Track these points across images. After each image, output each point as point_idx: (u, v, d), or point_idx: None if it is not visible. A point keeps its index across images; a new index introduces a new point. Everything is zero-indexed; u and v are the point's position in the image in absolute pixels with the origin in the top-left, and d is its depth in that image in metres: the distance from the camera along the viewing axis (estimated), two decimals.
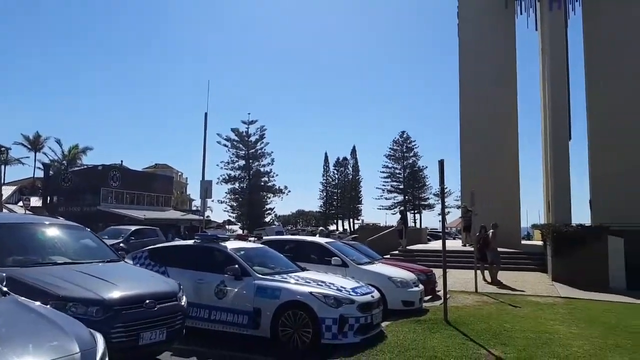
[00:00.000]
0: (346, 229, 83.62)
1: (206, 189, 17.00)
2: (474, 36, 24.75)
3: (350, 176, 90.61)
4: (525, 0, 25.44)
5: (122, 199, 47.91)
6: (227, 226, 66.25)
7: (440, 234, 38.03)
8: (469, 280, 13.84)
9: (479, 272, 14.36)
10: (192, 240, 8.84)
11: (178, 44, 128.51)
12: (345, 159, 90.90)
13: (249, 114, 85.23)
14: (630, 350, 7.25)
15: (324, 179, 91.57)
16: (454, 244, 23.46)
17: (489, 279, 14.97)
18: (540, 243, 21.74)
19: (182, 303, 6.05)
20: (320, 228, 23.08)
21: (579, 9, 23.58)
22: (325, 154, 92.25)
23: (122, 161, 58.81)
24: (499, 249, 15.51)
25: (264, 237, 14.01)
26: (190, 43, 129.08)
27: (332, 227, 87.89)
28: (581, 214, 23.41)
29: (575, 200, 20.65)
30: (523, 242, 25.21)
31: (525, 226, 31.14)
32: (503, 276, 15.26)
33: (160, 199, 53.77)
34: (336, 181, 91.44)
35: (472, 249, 15.08)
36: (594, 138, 22.43)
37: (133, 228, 21.38)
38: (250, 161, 68.82)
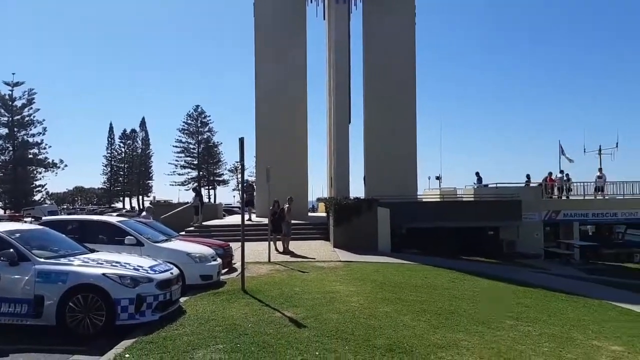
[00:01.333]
0: (134, 207, 78.85)
1: None
2: (268, 19, 25.52)
3: (140, 150, 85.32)
4: None
5: None
6: None
7: (235, 209, 38.52)
8: (262, 252, 14.61)
9: (272, 243, 15.27)
10: None
11: None
12: (133, 131, 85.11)
13: (13, 74, 72.27)
14: (394, 302, 8.71)
15: (108, 153, 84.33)
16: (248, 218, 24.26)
17: (280, 249, 16.03)
18: (324, 214, 24.01)
19: None
20: (148, 205, 21.05)
21: (360, 4, 26.25)
22: (110, 124, 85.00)
23: None
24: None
25: (43, 218, 12.38)
26: None
27: (118, 205, 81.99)
28: (358, 188, 26.57)
29: (353, 176, 23.39)
30: (309, 214, 27.52)
31: (311, 199, 33.92)
32: (293, 245, 16.50)
33: None
34: (123, 155, 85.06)
35: (261, 222, 15.89)
36: (369, 123, 25.53)
37: None
38: (15, 130, 59.01)
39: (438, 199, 26.45)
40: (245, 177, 22.47)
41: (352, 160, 22.74)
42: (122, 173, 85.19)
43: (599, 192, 25.16)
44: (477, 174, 26.69)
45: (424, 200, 26.07)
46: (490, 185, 25.54)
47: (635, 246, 24.68)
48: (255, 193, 22.41)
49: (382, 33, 25.35)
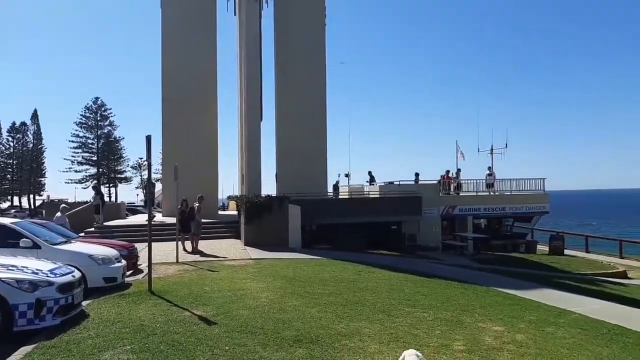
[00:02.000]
0: (24, 206, 72.56)
1: None
2: (177, 10, 24.83)
3: (31, 145, 78.45)
4: None
5: None
6: None
7: (139, 207, 37.04)
8: (170, 252, 14.34)
9: (180, 242, 15.00)
10: None
11: None
12: (24, 124, 77.97)
13: None
14: (303, 296, 9.06)
15: None
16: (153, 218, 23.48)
17: (189, 249, 15.78)
18: (234, 213, 23.91)
19: None
20: (63, 205, 18.80)
21: (272, 1, 26.28)
22: None
23: None
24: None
25: None
26: None
27: (5, 205, 75.01)
28: (270, 186, 26.60)
29: (265, 173, 23.46)
30: (220, 212, 27.21)
31: (222, 197, 33.49)
32: (202, 245, 16.33)
33: None
34: (12, 150, 77.75)
35: (164, 221, 15.57)
36: (280, 120, 25.73)
37: None
38: None
39: (347, 196, 27.35)
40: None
41: (264, 157, 22.84)
42: (10, 170, 77.92)
43: (490, 189, 27.49)
44: (370, 173, 27.84)
45: (333, 197, 26.83)
46: (395, 183, 26.89)
47: (520, 237, 27.32)
48: (159, 191, 21.69)
49: (293, 31, 25.59)
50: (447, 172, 27.61)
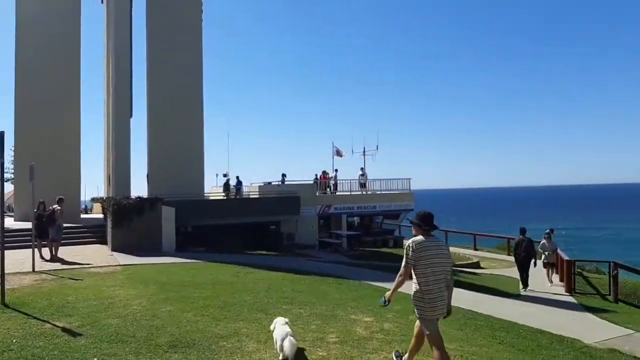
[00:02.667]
0: None
1: None
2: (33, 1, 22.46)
3: None
4: None
5: None
6: None
7: None
8: (24, 260, 12.94)
9: (37, 250, 13.57)
10: None
11: None
12: None
13: None
14: (178, 301, 8.76)
15: None
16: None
17: (47, 257, 14.34)
18: (100, 216, 22.25)
19: None
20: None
21: None
22: None
23: None
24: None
25: None
26: None
27: None
28: (141, 187, 25.13)
29: (136, 173, 22.11)
30: (82, 215, 25.12)
31: (84, 199, 30.87)
32: (63, 251, 14.97)
33: None
34: None
35: (12, 226, 14.04)
36: (152, 116, 24.38)
37: None
38: None
39: (224, 196, 26.91)
40: None
41: (134, 157, 21.61)
42: None
43: (363, 188, 29.05)
44: (237, 177, 27.45)
45: (211, 197, 26.22)
46: (273, 183, 27.16)
47: (389, 234, 29.30)
48: (9, 193, 19.42)
49: (167, 21, 24.24)
50: (324, 172, 28.57)
